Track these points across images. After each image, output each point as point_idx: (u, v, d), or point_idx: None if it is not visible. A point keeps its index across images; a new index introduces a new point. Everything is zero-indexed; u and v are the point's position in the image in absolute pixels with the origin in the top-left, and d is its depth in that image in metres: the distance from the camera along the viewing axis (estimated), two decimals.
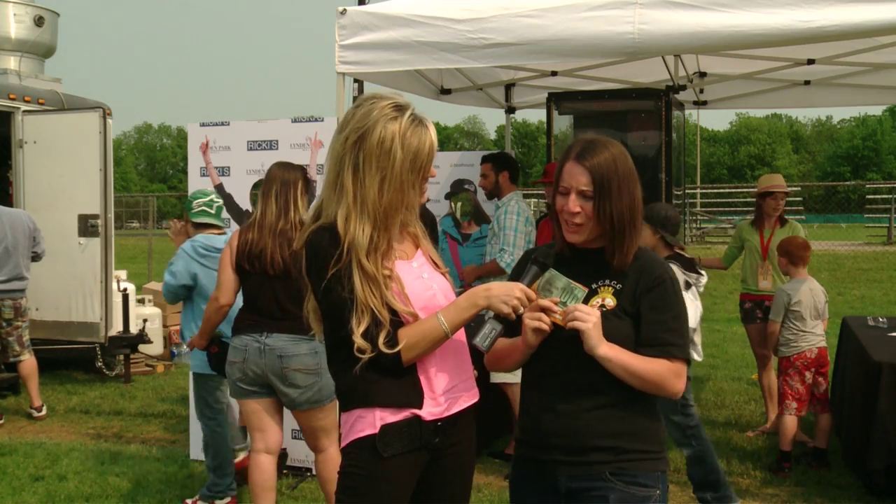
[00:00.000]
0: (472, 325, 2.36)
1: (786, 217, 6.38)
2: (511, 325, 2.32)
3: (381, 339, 2.25)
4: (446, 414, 2.38)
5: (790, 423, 5.42)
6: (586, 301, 2.29)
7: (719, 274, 16.01)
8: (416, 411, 2.32)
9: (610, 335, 2.23)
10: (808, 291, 5.46)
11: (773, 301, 5.61)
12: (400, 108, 2.33)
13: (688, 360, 2.32)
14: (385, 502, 2.34)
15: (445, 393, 2.38)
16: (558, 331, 2.25)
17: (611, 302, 2.29)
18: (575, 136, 6.61)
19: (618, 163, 2.28)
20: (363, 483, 2.33)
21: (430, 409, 2.35)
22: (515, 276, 2.44)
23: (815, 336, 5.43)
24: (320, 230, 2.34)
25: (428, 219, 2.30)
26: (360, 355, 2.24)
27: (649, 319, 2.25)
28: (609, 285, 2.32)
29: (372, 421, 2.30)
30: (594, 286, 2.32)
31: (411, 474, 2.38)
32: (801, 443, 5.81)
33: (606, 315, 2.26)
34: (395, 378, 2.31)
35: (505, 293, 2.27)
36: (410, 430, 2.32)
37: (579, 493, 2.28)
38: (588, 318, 2.17)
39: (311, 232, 2.36)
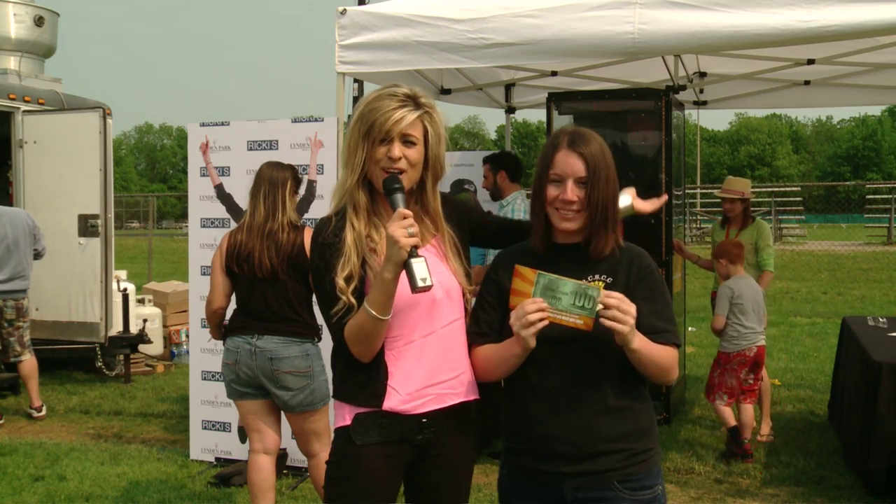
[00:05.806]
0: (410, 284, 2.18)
1: (754, 216, 6.47)
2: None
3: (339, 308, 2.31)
4: (420, 410, 2.33)
5: (748, 411, 5.73)
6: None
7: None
8: (380, 408, 2.32)
9: None
10: (750, 287, 5.67)
11: (718, 296, 5.76)
12: (395, 88, 2.37)
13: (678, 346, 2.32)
14: (360, 487, 2.34)
15: (419, 390, 2.33)
16: (553, 336, 2.16)
17: None
18: None
19: (605, 152, 2.30)
20: (339, 469, 2.39)
21: (393, 405, 2.31)
22: (492, 272, 2.47)
23: (756, 335, 5.61)
24: (323, 218, 2.44)
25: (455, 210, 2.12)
26: (342, 296, 2.28)
27: (645, 309, 2.22)
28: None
29: (347, 412, 2.37)
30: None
31: (390, 466, 2.36)
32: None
33: None
34: (363, 372, 2.33)
35: (396, 227, 2.16)
36: (387, 421, 2.32)
37: (587, 503, 2.26)
38: (627, 319, 2.10)
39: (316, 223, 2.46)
